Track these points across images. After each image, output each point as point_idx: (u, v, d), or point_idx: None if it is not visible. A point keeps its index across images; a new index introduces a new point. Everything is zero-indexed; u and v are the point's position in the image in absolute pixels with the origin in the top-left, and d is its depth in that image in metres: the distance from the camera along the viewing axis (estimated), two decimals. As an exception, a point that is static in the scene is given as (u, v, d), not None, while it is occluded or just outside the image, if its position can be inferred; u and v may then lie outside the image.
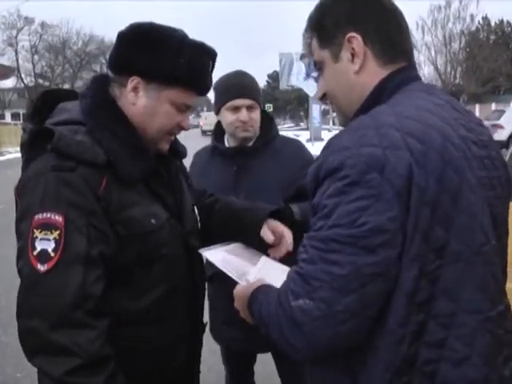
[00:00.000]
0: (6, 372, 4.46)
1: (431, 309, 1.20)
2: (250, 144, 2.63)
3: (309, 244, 1.23)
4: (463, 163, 1.23)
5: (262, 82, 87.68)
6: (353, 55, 1.38)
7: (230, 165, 2.60)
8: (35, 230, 1.45)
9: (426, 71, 30.36)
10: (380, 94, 1.35)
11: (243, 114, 2.53)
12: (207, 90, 1.74)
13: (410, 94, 1.34)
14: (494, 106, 31.07)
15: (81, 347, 1.41)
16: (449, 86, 28.89)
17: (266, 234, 1.94)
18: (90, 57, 58.27)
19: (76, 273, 1.44)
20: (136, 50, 1.60)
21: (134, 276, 1.59)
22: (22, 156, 1.63)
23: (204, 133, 43.49)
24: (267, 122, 2.69)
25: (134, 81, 1.62)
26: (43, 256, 1.43)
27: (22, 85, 52.69)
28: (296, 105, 63.85)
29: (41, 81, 53.11)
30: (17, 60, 51.84)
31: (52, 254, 1.43)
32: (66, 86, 57.37)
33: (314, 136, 32.32)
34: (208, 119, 45.79)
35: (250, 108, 2.55)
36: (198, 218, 1.96)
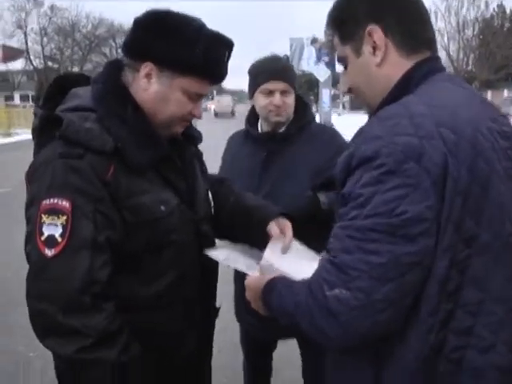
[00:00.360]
0: (18, 351, 4.46)
1: (459, 298, 1.21)
2: (283, 129, 2.59)
3: (343, 234, 1.22)
4: (492, 154, 1.24)
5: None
6: (374, 48, 1.38)
7: (260, 150, 2.57)
8: (43, 216, 1.46)
9: (437, 57, 30.04)
10: (407, 84, 1.35)
11: (276, 98, 2.49)
12: (221, 80, 1.71)
13: (437, 84, 1.34)
14: (506, 93, 30.83)
15: (90, 328, 1.44)
16: (461, 72, 28.61)
17: (273, 228, 1.87)
18: (100, 40, 58.19)
19: (83, 258, 1.45)
20: (151, 36, 1.58)
21: (143, 262, 1.60)
22: (34, 141, 1.64)
23: (216, 115, 47.39)
24: (302, 107, 2.64)
25: (147, 67, 1.60)
26: (50, 241, 1.45)
27: (31, 67, 52.66)
28: (306, 89, 63.56)
29: (50, 63, 53.06)
30: (26, 42, 51.88)
31: (59, 239, 1.45)
32: (76, 69, 57.34)
33: (323, 120, 32.17)
34: (220, 102, 49.65)
35: (283, 92, 2.51)
36: (212, 204, 1.96)
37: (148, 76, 1.62)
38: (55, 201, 1.46)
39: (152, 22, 1.59)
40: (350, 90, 1.50)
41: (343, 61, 1.47)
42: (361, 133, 1.28)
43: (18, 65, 55.53)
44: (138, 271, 1.60)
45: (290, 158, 2.52)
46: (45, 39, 52.72)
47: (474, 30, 30.30)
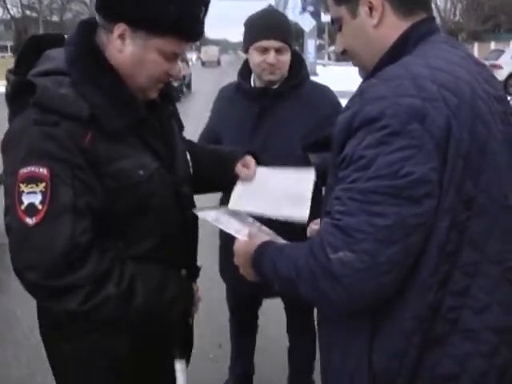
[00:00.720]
0: (7, 308, 4.44)
1: (457, 259, 1.23)
2: (276, 86, 2.53)
3: (346, 196, 1.21)
4: (489, 117, 1.26)
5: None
6: (370, 9, 1.37)
7: (252, 105, 2.52)
8: (21, 185, 1.45)
9: (424, 7, 29.72)
10: (404, 45, 1.35)
11: (271, 57, 2.42)
12: (198, 38, 1.67)
13: (434, 46, 1.35)
14: (493, 45, 30.59)
15: (81, 281, 1.46)
16: (448, 23, 28.33)
17: (239, 168, 2.00)
18: (80, -13, 56.76)
19: (64, 224, 1.45)
20: None
21: (127, 227, 1.61)
22: (8, 107, 1.59)
23: (204, 64, 49.49)
24: (298, 63, 2.58)
25: (120, 28, 1.55)
26: (31, 209, 1.44)
27: (9, 16, 51.44)
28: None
29: (28, 12, 51.86)
30: (3, -10, 50.35)
31: (39, 207, 1.44)
32: (55, 18, 56.30)
33: (309, 71, 31.97)
34: (208, 53, 53.01)
35: (278, 50, 2.43)
36: (190, 164, 1.96)
37: (121, 37, 1.56)
38: (33, 168, 1.45)
39: None
40: (344, 52, 1.49)
41: (338, 22, 1.45)
42: (361, 93, 1.27)
43: (-6, 14, 54.20)
44: (123, 236, 1.61)
45: (283, 116, 2.48)
46: (22, -13, 51.30)
47: (462, -21, 29.94)
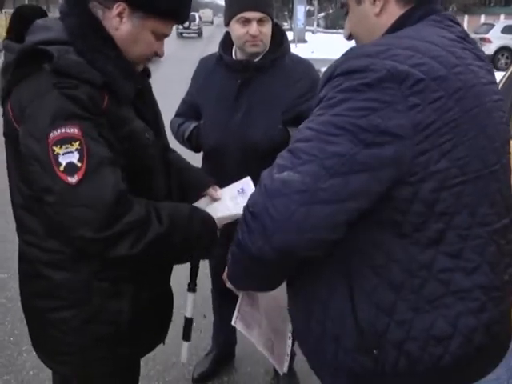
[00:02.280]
0: None
1: (452, 220, 1.26)
2: (258, 59, 2.53)
3: (305, 126, 1.24)
4: (480, 88, 1.31)
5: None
6: None
7: (234, 77, 2.53)
8: (55, 148, 1.46)
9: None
10: (402, 26, 1.38)
11: (253, 28, 2.42)
12: (186, 20, 1.78)
13: (433, 24, 1.38)
14: (483, 18, 30.47)
15: (130, 225, 1.50)
16: (439, -6, 28.08)
17: (211, 192, 2.04)
18: None
19: (106, 175, 1.49)
20: None
21: (131, 185, 1.61)
22: (4, 76, 1.59)
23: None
24: (278, 36, 2.59)
25: (119, 6, 1.60)
26: (71, 168, 1.46)
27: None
28: (280, 4, 62.41)
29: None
30: None
31: (79, 164, 1.47)
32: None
33: (297, 38, 31.77)
34: (204, 14, 63.13)
35: (260, 21, 2.44)
36: None
37: (120, 15, 1.62)
38: (63, 130, 1.47)
39: None
40: (351, 37, 1.53)
41: (345, 7, 1.49)
42: (351, 50, 1.31)
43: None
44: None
45: (264, 89, 2.49)
46: None
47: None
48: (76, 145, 1.46)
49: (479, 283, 1.31)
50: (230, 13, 2.48)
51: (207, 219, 1.77)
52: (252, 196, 1.26)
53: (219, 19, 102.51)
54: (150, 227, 1.54)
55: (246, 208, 1.26)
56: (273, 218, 1.18)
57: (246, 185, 1.98)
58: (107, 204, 1.47)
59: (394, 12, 1.40)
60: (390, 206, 1.24)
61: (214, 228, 1.79)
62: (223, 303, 3.09)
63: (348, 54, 1.30)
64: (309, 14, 38.82)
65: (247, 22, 2.42)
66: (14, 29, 1.65)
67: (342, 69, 1.25)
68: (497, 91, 1.41)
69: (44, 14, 1.71)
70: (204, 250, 1.78)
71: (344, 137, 1.18)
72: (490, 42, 21.00)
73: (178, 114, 2.81)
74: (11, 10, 44.17)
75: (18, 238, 1.72)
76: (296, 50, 28.28)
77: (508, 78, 4.17)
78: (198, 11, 71.00)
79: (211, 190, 2.03)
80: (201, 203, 1.98)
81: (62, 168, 1.46)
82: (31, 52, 1.53)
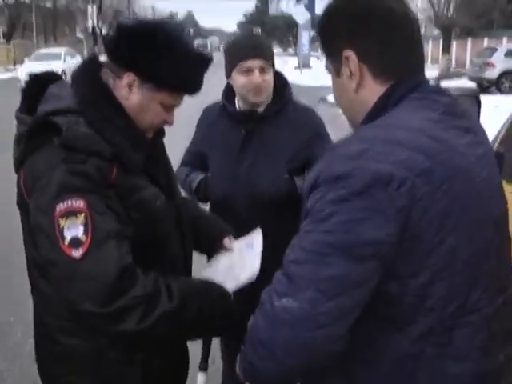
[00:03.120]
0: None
1: (443, 312, 1.24)
2: (261, 109, 2.53)
3: (298, 245, 1.23)
4: (469, 171, 1.27)
5: (250, 5, 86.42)
6: (351, 73, 1.36)
7: (238, 128, 2.54)
8: (60, 220, 1.48)
9: (419, 2, 29.54)
10: (383, 107, 1.34)
11: (256, 76, 2.42)
12: (198, 92, 1.77)
13: (415, 103, 1.33)
14: (486, 42, 30.57)
15: (135, 300, 1.48)
16: (441, 18, 28.22)
17: (227, 242, 2.05)
18: (74, -26, 56.20)
19: (110, 249, 1.49)
20: (137, 48, 1.60)
21: (140, 255, 1.61)
22: (18, 146, 1.63)
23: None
24: (281, 85, 2.58)
25: (129, 76, 1.63)
26: (75, 242, 1.47)
27: (1, 2, 50.74)
28: (285, 30, 62.88)
29: (21, -2, 51.20)
30: (-4, -25, 49.75)
31: (83, 238, 1.47)
32: (48, 5, 55.60)
33: (302, 63, 31.95)
34: (212, 41, 62.54)
35: (262, 69, 2.43)
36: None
37: (129, 86, 1.64)
38: (69, 203, 1.48)
39: (141, 35, 1.60)
40: (337, 104, 1.51)
41: (330, 72, 1.46)
42: (334, 150, 1.29)
43: (-13, -1, 53.54)
44: (137, 263, 1.61)
45: (268, 139, 2.50)
46: (15, -28, 50.71)
47: (456, -25, 29.84)
48: (81, 218, 1.47)
49: (470, 370, 1.29)
50: (231, 64, 2.48)
51: (222, 295, 1.73)
52: (256, 322, 1.27)
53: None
54: (159, 302, 1.52)
55: (254, 333, 1.27)
56: (280, 346, 1.21)
57: (256, 239, 1.98)
58: (110, 279, 1.46)
59: (373, 88, 1.35)
60: (382, 301, 1.25)
61: (229, 304, 1.74)
62: (232, 352, 3.03)
63: (331, 154, 1.28)
64: (313, 40, 39.05)
65: (249, 71, 2.41)
66: (27, 98, 1.68)
67: (325, 175, 1.22)
68: (487, 160, 1.36)
69: (59, 78, 1.74)
70: (217, 327, 1.74)
71: (336, 256, 1.17)
72: (493, 66, 21.06)
73: (183, 163, 2.82)
74: (19, 41, 44.74)
75: (33, 300, 1.73)
76: (301, 76, 28.50)
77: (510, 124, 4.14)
78: (207, 38, 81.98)
79: (226, 240, 2.03)
80: (216, 259, 2.00)
81: (66, 242, 1.46)
82: (43, 124, 1.56)
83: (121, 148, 1.60)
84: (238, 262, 1.92)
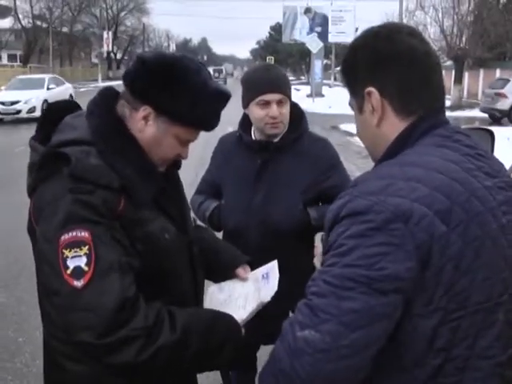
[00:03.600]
0: (8, 336, 4.42)
1: (450, 354, 1.25)
2: (277, 140, 2.56)
3: (320, 278, 1.25)
4: (487, 216, 1.28)
5: (264, 33, 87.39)
6: (373, 108, 1.39)
7: (253, 158, 2.56)
8: (64, 251, 1.48)
9: (431, 32, 29.69)
10: (403, 143, 1.37)
11: (273, 110, 2.45)
12: (214, 128, 1.76)
13: (436, 142, 1.35)
14: (498, 73, 30.65)
15: (134, 332, 1.47)
16: (454, 48, 28.29)
17: (241, 272, 2.04)
18: (90, 0, 57.10)
19: (112, 281, 1.49)
20: (155, 82, 1.62)
21: (145, 288, 1.60)
22: (30, 174, 1.65)
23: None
24: (297, 116, 2.62)
25: (146, 110, 1.64)
26: (78, 272, 1.47)
27: (20, 26, 51.65)
28: (298, 58, 63.40)
29: (38, 22, 52.12)
30: (14, 0, 50.65)
31: (86, 269, 1.47)
32: (65, 30, 56.48)
33: (315, 91, 32.14)
34: (226, 67, 78.48)
35: (280, 103, 2.47)
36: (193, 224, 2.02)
37: (145, 118, 1.65)
38: (74, 233, 1.48)
39: (158, 68, 1.62)
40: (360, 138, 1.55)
41: (352, 109, 1.49)
42: (355, 185, 1.32)
43: (5, 23, 54.50)
44: (143, 295, 1.60)
45: (283, 170, 2.53)
46: (34, -3, 51.60)
47: (469, 6, 29.95)
48: (85, 249, 1.48)
49: None
50: (249, 96, 2.51)
51: (230, 327, 1.71)
52: (278, 351, 1.26)
53: (237, 72, 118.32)
54: (160, 335, 1.51)
55: (275, 362, 1.27)
56: (301, 378, 1.21)
57: (272, 270, 1.98)
58: (109, 311, 1.45)
59: (394, 123, 1.39)
60: (394, 338, 1.25)
61: (237, 338, 1.72)
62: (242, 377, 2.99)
63: (353, 190, 1.30)
64: (326, 68, 39.37)
65: (267, 104, 2.45)
66: (43, 127, 1.70)
67: (347, 210, 1.25)
68: (510, 207, 1.35)
69: (77, 108, 1.76)
70: (224, 361, 1.70)
71: (358, 290, 1.19)
72: (505, 97, 21.04)
73: (198, 192, 2.85)
74: (36, 65, 45.39)
75: (42, 323, 1.73)
76: (313, 104, 28.66)
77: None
78: (221, 65, 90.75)
79: (240, 270, 2.03)
80: (228, 284, 2.00)
81: (69, 271, 1.47)
82: (53, 155, 1.58)
83: (130, 181, 1.60)
84: (251, 292, 1.91)
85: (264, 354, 2.99)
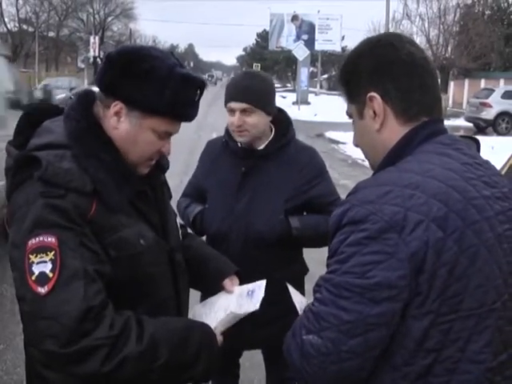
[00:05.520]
0: None
1: (440, 355, 1.28)
2: (262, 147, 2.58)
3: (324, 286, 1.33)
4: (483, 225, 1.30)
5: (251, 40, 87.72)
6: (374, 113, 1.42)
7: (239, 164, 2.56)
8: (30, 256, 1.46)
9: (417, 41, 29.95)
10: (403, 149, 1.41)
11: (235, 118, 2.48)
12: (192, 119, 1.72)
13: (437, 150, 1.38)
14: (483, 83, 30.94)
15: (98, 341, 1.45)
16: (439, 58, 28.55)
17: (228, 284, 1.99)
18: (77, 4, 57.00)
19: (76, 289, 1.46)
20: (121, 76, 1.60)
21: (122, 294, 1.60)
22: (6, 179, 1.62)
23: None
24: (284, 124, 2.63)
25: (116, 105, 1.62)
26: (42, 278, 1.45)
27: (5, 29, 51.35)
28: (284, 65, 63.70)
29: (25, 26, 51.90)
30: (0, 3, 50.40)
31: (50, 275, 1.45)
32: (51, 34, 56.26)
33: (300, 99, 32.26)
34: (215, 74, 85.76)
35: (244, 111, 2.47)
36: (180, 232, 1.97)
37: (117, 114, 1.63)
38: (41, 238, 1.46)
39: (123, 62, 1.60)
40: (357, 145, 1.57)
41: (351, 117, 1.53)
42: (355, 192, 1.36)
43: (-9, 26, 54.13)
44: (117, 302, 1.57)
45: (267, 177, 2.53)
46: (20, 1, 51.45)
47: (455, 16, 30.25)
48: (51, 255, 1.45)
49: None
50: (224, 102, 2.56)
51: (206, 336, 1.69)
52: (289, 347, 1.38)
53: (225, 78, 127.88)
54: (126, 344, 1.48)
55: (288, 356, 1.38)
56: (309, 374, 1.33)
57: (258, 288, 1.94)
58: (72, 319, 1.43)
59: (395, 129, 1.42)
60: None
61: (213, 346, 1.70)
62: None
63: (353, 197, 1.34)
64: (312, 76, 39.53)
65: (232, 111, 2.48)
66: (20, 132, 1.67)
67: (347, 218, 1.31)
68: (509, 217, 1.37)
69: (59, 112, 1.72)
70: (204, 370, 1.66)
71: (353, 300, 1.26)
72: (490, 106, 21.29)
73: (184, 194, 2.85)
74: (22, 70, 45.10)
75: (23, 330, 1.67)
76: (299, 112, 28.74)
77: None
78: (210, 71, 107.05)
79: (227, 282, 1.98)
80: (211, 299, 1.97)
81: (34, 277, 1.45)
82: (25, 159, 1.55)
83: (103, 185, 1.57)
84: (232, 306, 1.87)
85: (247, 359, 3.05)
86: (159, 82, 1.58)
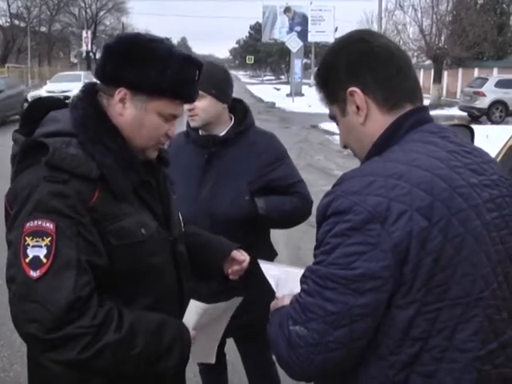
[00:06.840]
0: None
1: (426, 344, 1.29)
2: (223, 133, 2.67)
3: (310, 277, 1.34)
4: (470, 213, 1.30)
5: (244, 33, 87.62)
6: (357, 107, 1.44)
7: (201, 152, 2.66)
8: (27, 238, 1.49)
9: (410, 31, 29.89)
10: (389, 138, 1.41)
11: None
12: (193, 99, 1.80)
13: (423, 138, 1.39)
14: (476, 72, 30.93)
15: (80, 330, 1.47)
16: (433, 48, 28.51)
17: (237, 254, 2.09)
18: (69, -1, 56.66)
19: (67, 278, 1.47)
20: (122, 63, 1.64)
21: (124, 284, 1.64)
22: (12, 166, 1.65)
23: None
24: (242, 111, 2.76)
25: (120, 92, 1.65)
26: (35, 262, 1.47)
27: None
28: (278, 57, 63.58)
29: (16, 22, 51.65)
30: (-9, -2, 50.11)
31: (44, 260, 1.47)
32: (43, 29, 55.99)
33: (294, 91, 32.23)
34: None
35: None
36: (182, 224, 2.00)
37: (122, 101, 1.66)
38: (39, 222, 1.48)
39: (122, 49, 1.65)
40: (345, 146, 1.57)
41: (334, 119, 1.54)
42: (340, 183, 1.36)
43: (-18, 22, 53.78)
44: (120, 293, 1.63)
45: (229, 162, 2.63)
46: (11, -4, 51.05)
47: (447, 6, 30.19)
48: (47, 240, 1.47)
49: None
50: None
51: (180, 330, 1.72)
52: (276, 336, 1.38)
53: None
54: (105, 334, 1.50)
55: (275, 346, 1.39)
56: (297, 365, 1.33)
57: (233, 304, 1.98)
58: (60, 307, 1.45)
59: (379, 119, 1.43)
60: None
61: (186, 340, 1.73)
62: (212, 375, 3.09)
63: (338, 188, 1.35)
64: (305, 67, 39.49)
65: None
66: (27, 121, 1.70)
67: (332, 209, 1.31)
68: (498, 205, 1.37)
69: (63, 105, 1.76)
70: (175, 363, 1.70)
71: (338, 291, 1.27)
72: (484, 95, 21.29)
73: None
74: (14, 65, 44.95)
75: None
76: (293, 103, 28.73)
77: (507, 150, 4.13)
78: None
79: (236, 252, 2.07)
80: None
81: (27, 260, 1.47)
82: (33, 144, 1.58)
83: (110, 170, 1.60)
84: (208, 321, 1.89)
85: (231, 347, 3.06)
86: (161, 62, 1.62)
